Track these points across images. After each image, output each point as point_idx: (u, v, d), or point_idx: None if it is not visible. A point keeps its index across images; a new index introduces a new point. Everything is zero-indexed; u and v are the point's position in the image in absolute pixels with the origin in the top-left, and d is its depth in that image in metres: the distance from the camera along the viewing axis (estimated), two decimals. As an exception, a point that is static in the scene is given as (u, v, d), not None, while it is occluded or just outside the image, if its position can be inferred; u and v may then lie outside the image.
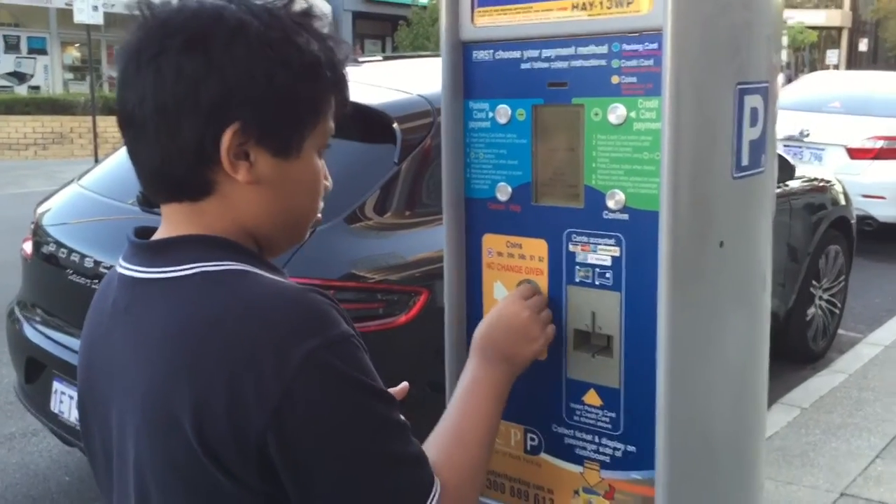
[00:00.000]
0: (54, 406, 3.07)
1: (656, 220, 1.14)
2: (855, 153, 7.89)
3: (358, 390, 0.93)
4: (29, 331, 3.25)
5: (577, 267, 1.23)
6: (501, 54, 1.26)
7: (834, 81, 10.34)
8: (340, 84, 1.04)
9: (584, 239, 1.21)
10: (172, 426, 0.92)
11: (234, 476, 0.91)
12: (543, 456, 1.30)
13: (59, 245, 3.13)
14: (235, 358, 0.90)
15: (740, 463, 1.33)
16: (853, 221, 5.52)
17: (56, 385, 3.06)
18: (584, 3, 1.16)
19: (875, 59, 49.63)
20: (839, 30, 50.59)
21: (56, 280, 3.17)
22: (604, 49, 1.16)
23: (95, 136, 15.77)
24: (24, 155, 16.23)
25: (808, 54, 44.48)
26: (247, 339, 0.91)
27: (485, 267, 1.32)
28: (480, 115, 1.29)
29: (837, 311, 5.42)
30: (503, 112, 1.26)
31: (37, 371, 3.22)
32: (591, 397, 1.24)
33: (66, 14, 18.46)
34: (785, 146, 6.95)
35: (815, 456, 3.75)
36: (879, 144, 7.85)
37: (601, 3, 1.15)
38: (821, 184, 5.26)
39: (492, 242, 1.31)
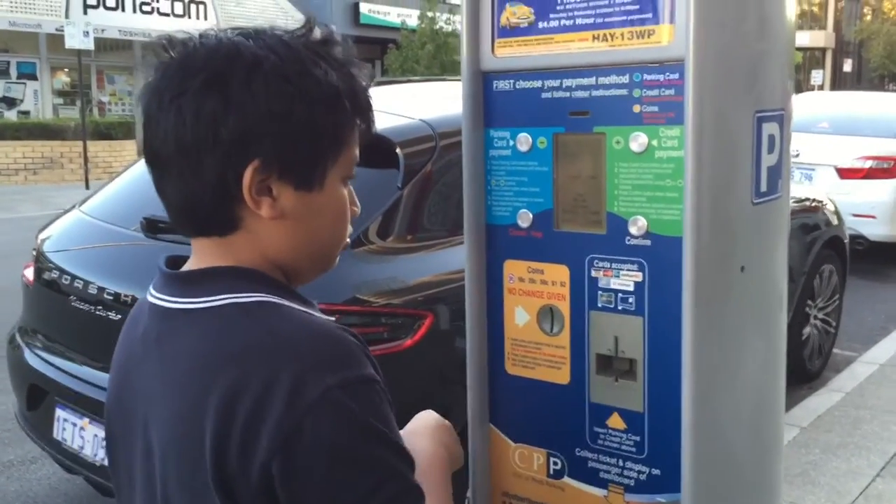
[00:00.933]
0: (57, 433, 3.05)
1: (679, 245, 1.16)
2: (844, 173, 7.98)
3: (370, 437, 0.92)
4: (31, 357, 3.23)
5: (600, 292, 1.25)
6: (522, 84, 1.28)
7: (822, 102, 10.47)
8: (363, 112, 1.05)
9: (607, 264, 1.23)
10: (195, 455, 0.93)
11: (238, 497, 0.91)
12: (567, 480, 1.31)
13: (62, 271, 3.13)
14: (256, 389, 0.91)
15: (762, 484, 1.35)
16: (846, 241, 5.58)
17: (59, 412, 3.05)
18: (605, 35, 1.19)
19: (859, 80, 50.16)
20: (823, 51, 51.15)
21: (59, 306, 3.17)
22: (625, 79, 1.19)
23: (86, 160, 15.78)
24: (15, 180, 16.21)
25: (795, 75, 44.92)
26: (269, 372, 0.91)
27: (506, 293, 1.34)
28: (501, 143, 1.31)
29: (832, 331, 5.46)
30: (524, 140, 1.29)
31: (39, 398, 3.21)
32: (615, 421, 1.26)
33: (56, 39, 18.50)
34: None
35: (815, 475, 3.76)
36: (868, 164, 7.94)
37: (622, 34, 1.18)
38: (814, 203, 5.31)
39: (513, 268, 1.33)
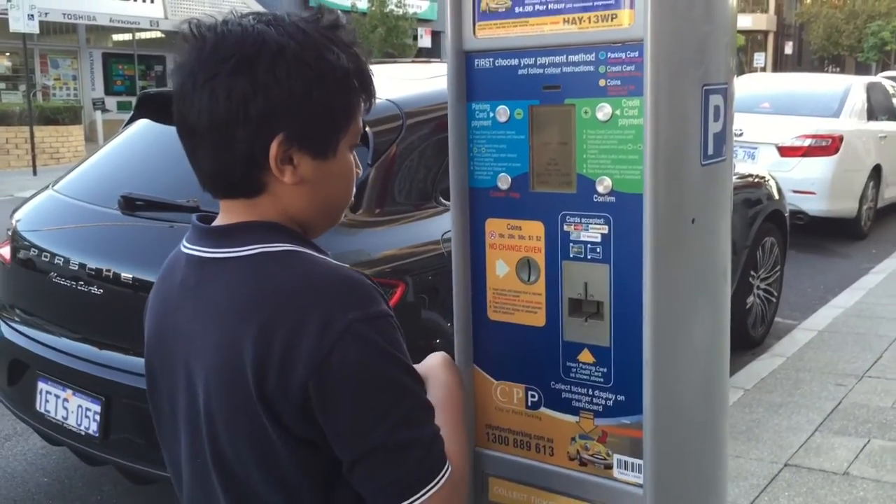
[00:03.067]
0: (40, 405, 3.15)
1: (640, 201, 1.34)
2: (785, 151, 8.30)
3: (389, 362, 1.09)
4: (11, 333, 3.31)
5: (571, 244, 1.43)
6: (501, 62, 1.45)
7: (763, 83, 10.81)
8: (367, 87, 1.21)
9: (577, 219, 1.41)
10: (238, 379, 1.08)
11: (283, 424, 1.07)
12: (543, 410, 1.50)
13: (41, 250, 3.21)
14: (290, 323, 1.07)
15: (712, 408, 1.55)
16: (786, 214, 5.86)
17: (41, 385, 3.14)
18: (574, 18, 1.37)
19: (800, 62, 51.21)
20: (765, 33, 52.13)
21: (39, 283, 3.26)
22: (591, 57, 1.36)
23: (33, 146, 15.51)
24: (-41, 167, 15.89)
25: (737, 57, 45.70)
26: (301, 308, 1.08)
27: (488, 248, 1.51)
28: (482, 115, 1.48)
29: (774, 300, 5.73)
30: (503, 112, 1.46)
31: (19, 373, 3.30)
32: (585, 356, 1.44)
33: (-3, 22, 18.13)
34: (721, 145, 7.29)
35: (759, 432, 4.02)
36: (807, 143, 8.27)
37: (589, 18, 1.35)
38: (756, 179, 5.57)
39: (494, 226, 1.51)
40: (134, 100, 4.30)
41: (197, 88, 1.12)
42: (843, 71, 44.91)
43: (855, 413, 4.21)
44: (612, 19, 1.33)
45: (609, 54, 1.35)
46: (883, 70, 32.85)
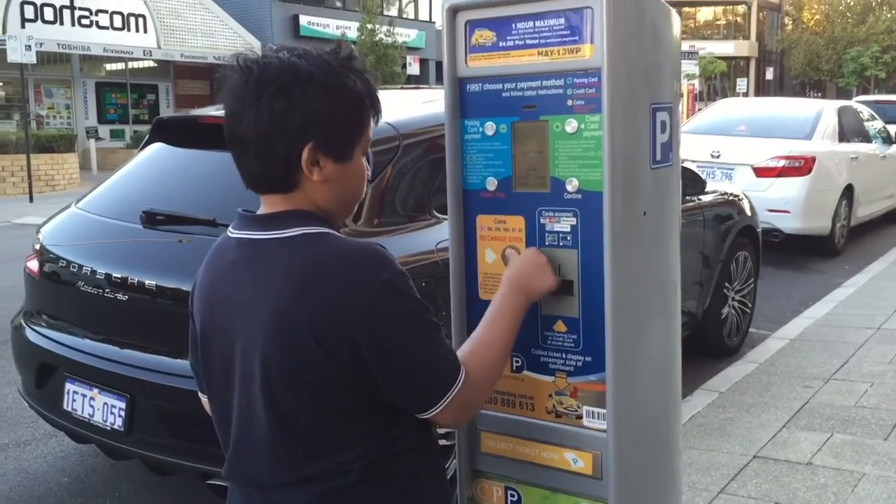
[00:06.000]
0: (67, 405, 3.39)
1: (601, 197, 1.66)
2: (760, 172, 8.63)
3: (414, 303, 1.43)
4: (39, 339, 3.58)
5: (547, 234, 1.75)
6: (488, 86, 1.78)
7: (740, 107, 11.22)
8: (376, 105, 1.53)
9: (551, 213, 1.73)
10: (294, 332, 1.40)
11: (336, 357, 1.39)
12: (526, 373, 1.81)
13: (69, 262, 3.49)
14: (335, 286, 1.39)
15: (664, 368, 1.87)
16: (759, 230, 6.17)
17: (68, 385, 3.40)
18: (546, 51, 1.70)
19: (781, 87, 51.97)
20: (747, 59, 52.97)
21: (66, 292, 3.54)
22: (560, 82, 1.69)
23: (30, 174, 15.76)
24: (-44, 194, 16.11)
25: (719, 83, 46.52)
26: (342, 273, 1.40)
27: (479, 239, 1.83)
28: (473, 129, 1.81)
29: (749, 311, 5.98)
30: (490, 127, 1.78)
31: (48, 375, 3.58)
32: (559, 326, 1.76)
33: (-9, 53, 18.43)
34: (699, 167, 7.65)
35: (731, 428, 4.31)
36: (781, 163, 8.60)
37: (558, 51, 1.68)
38: (729, 197, 5.87)
39: (483, 221, 1.82)
40: (126, 127, 4.59)
41: (245, 108, 1.44)
42: (824, 95, 45.69)
43: (820, 411, 4.51)
44: (576, 52, 1.66)
45: (574, 80, 1.67)
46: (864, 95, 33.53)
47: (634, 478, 1.77)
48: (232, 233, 1.54)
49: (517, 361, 1.82)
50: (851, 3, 47.64)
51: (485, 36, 1.76)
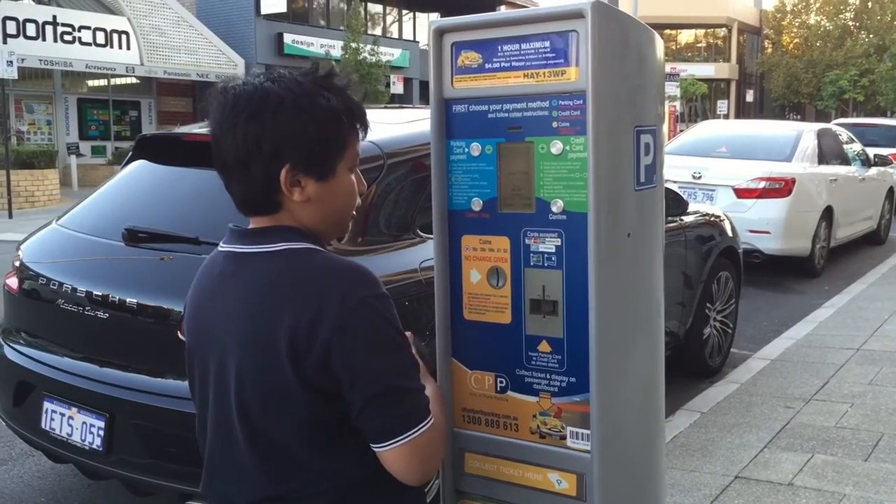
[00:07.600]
0: (45, 424, 3.35)
1: (585, 219, 1.67)
2: (741, 193, 8.70)
3: (390, 327, 1.42)
4: (17, 357, 3.54)
5: (531, 254, 1.75)
6: (474, 107, 1.79)
7: (721, 128, 11.33)
8: (359, 120, 1.53)
9: (536, 234, 1.74)
10: (270, 346, 1.40)
11: (306, 378, 1.38)
12: (510, 393, 1.81)
13: (49, 279, 3.46)
14: (317, 299, 1.39)
15: (647, 389, 1.87)
16: (740, 250, 6.21)
17: (47, 404, 3.36)
18: (532, 73, 1.71)
19: (762, 109, 52.58)
20: (728, 81, 53.57)
21: (45, 309, 3.51)
22: (546, 104, 1.70)
23: (9, 190, 15.64)
24: (-66, 210, 15.94)
25: (700, 104, 47.01)
26: (323, 289, 1.40)
27: (464, 259, 1.83)
28: (459, 150, 1.81)
29: (730, 331, 5.99)
30: (476, 148, 1.79)
31: (25, 393, 3.53)
32: (544, 346, 1.76)
33: (-29, 68, 18.29)
34: (681, 188, 7.70)
35: (713, 449, 4.32)
36: (762, 185, 8.67)
37: (544, 73, 1.70)
38: (711, 218, 5.90)
39: (469, 241, 1.83)
40: (108, 144, 4.57)
41: (224, 133, 1.46)
42: (803, 118, 46.25)
43: (801, 432, 4.53)
44: (562, 74, 1.68)
45: (560, 102, 1.69)
46: (842, 117, 33.97)
47: (618, 499, 1.77)
48: (222, 247, 1.55)
49: (501, 381, 1.82)
50: (830, 28, 48.34)
51: (471, 58, 1.77)
